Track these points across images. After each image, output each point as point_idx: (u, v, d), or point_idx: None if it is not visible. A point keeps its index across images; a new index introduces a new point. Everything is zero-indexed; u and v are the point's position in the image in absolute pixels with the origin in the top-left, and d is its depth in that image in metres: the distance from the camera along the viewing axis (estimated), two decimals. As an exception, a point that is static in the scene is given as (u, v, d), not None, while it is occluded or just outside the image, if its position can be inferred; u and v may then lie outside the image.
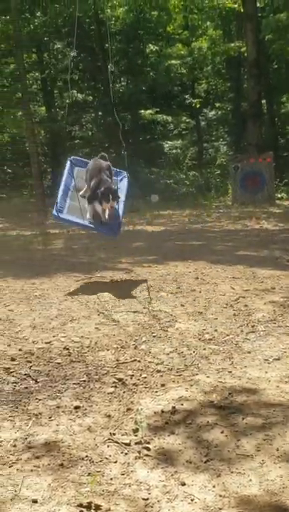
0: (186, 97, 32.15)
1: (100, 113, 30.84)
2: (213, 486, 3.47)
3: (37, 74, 29.25)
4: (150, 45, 29.17)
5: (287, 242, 12.34)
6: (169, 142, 31.82)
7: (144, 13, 26.42)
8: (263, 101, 29.29)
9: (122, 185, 9.06)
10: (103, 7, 23.99)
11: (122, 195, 8.67)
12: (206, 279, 8.96)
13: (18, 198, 26.11)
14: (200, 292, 8.11)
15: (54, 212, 8.28)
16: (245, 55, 24.37)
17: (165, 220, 18.48)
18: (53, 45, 29.14)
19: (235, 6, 24.47)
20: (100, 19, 27.24)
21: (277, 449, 3.83)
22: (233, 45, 26.78)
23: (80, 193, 8.65)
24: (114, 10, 24.70)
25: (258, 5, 23.65)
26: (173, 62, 29.20)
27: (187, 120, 32.55)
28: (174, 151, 32.15)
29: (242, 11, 23.61)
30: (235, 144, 31.50)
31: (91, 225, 8.54)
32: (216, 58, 30.12)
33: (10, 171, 31.33)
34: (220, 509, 3.27)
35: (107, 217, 8.28)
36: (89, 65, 29.52)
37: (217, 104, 32.72)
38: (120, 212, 8.59)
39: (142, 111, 29.78)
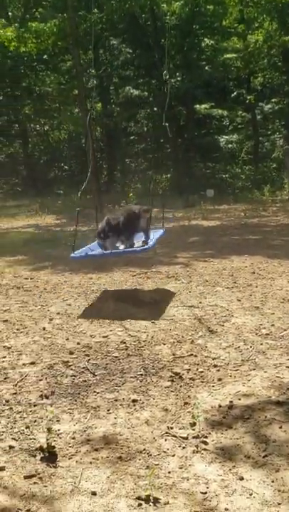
0: (242, 91, 31.88)
1: (155, 109, 30.79)
2: (272, 481, 3.45)
3: (93, 71, 29.42)
4: (206, 39, 28.94)
5: None
6: (224, 137, 31.56)
7: (200, 7, 26.21)
8: None
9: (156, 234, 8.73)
10: (159, 2, 23.89)
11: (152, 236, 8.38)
12: (262, 273, 8.90)
13: (75, 194, 26.26)
14: (256, 287, 8.06)
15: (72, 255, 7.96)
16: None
17: (221, 214, 18.41)
18: (109, 41, 29.21)
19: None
20: (156, 14, 27.18)
21: None
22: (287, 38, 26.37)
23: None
24: (170, 5, 24.53)
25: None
26: (228, 56, 28.95)
27: (243, 114, 32.25)
28: (230, 145, 31.89)
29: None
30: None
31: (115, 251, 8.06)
32: (272, 51, 29.75)
33: (67, 167, 31.59)
34: (279, 504, 3.25)
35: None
36: (144, 60, 29.50)
37: (273, 99, 32.33)
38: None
39: (197, 105, 29.63)
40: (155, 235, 8.57)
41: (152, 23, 28.00)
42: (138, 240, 8.09)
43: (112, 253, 8.02)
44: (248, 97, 29.67)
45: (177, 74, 29.53)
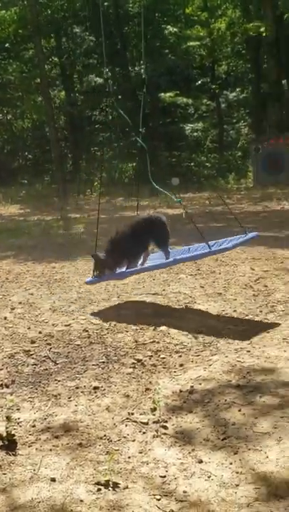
0: (207, 79, 31.94)
1: (119, 97, 30.72)
2: (230, 463, 3.49)
3: (56, 59, 29.18)
4: (169, 27, 28.94)
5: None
6: (189, 125, 31.61)
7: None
8: (284, 81, 29.04)
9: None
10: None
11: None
12: (225, 260, 8.96)
13: (39, 183, 26.15)
14: (219, 274, 8.12)
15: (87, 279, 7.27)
16: (265, 35, 24.12)
17: (186, 202, 18.30)
18: (72, 29, 29.03)
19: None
20: (118, 2, 27.12)
21: (295, 426, 3.84)
22: (251, 25, 26.49)
23: None
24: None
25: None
26: (192, 44, 29.00)
27: (207, 102, 32.34)
28: (195, 133, 31.95)
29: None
30: (256, 125, 31.26)
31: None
32: (236, 39, 29.87)
33: (31, 156, 31.39)
34: (236, 485, 3.28)
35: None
36: (107, 48, 29.39)
37: (238, 87, 32.44)
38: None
39: (162, 94, 29.63)
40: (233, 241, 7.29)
41: (114, 10, 27.90)
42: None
43: (131, 271, 7.00)
44: (213, 86, 29.76)
45: (141, 62, 29.45)
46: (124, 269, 6.88)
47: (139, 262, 7.00)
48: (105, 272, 6.81)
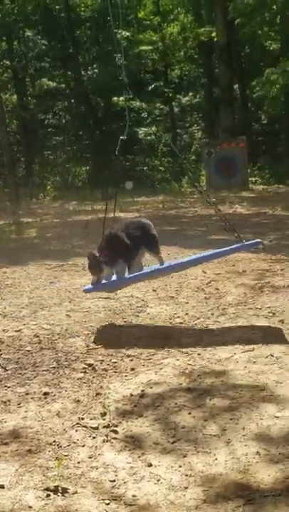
0: (160, 83, 32.10)
1: (72, 101, 30.70)
2: (180, 466, 3.50)
3: (7, 62, 29.01)
4: (122, 31, 28.99)
5: (259, 226, 12.40)
6: (143, 129, 31.67)
7: (114, -1, 26.30)
8: (236, 86, 29.35)
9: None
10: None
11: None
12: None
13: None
14: (172, 277, 8.11)
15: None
16: (216, 39, 24.35)
17: (139, 206, 18.48)
18: (24, 33, 28.89)
19: (205, -10, 24.44)
20: (70, 6, 27.09)
21: (244, 428, 3.86)
22: (203, 30, 26.72)
23: None
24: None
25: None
26: (144, 48, 29.13)
27: (161, 107, 32.48)
28: (149, 137, 32.04)
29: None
30: (209, 129, 31.50)
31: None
32: (188, 43, 30.08)
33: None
34: (185, 488, 3.30)
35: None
36: (59, 53, 29.37)
37: (190, 91, 32.71)
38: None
39: (115, 98, 29.66)
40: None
41: (66, 14, 27.86)
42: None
43: (131, 278, 6.42)
44: (166, 90, 29.89)
45: (94, 66, 29.49)
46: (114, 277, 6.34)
47: (137, 269, 6.45)
48: (103, 273, 6.21)
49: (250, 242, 6.71)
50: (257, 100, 29.06)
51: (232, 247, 6.69)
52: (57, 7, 27.74)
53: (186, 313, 6.45)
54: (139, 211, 17.05)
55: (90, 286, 6.42)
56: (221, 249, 6.80)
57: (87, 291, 6.63)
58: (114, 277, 6.32)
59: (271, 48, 28.12)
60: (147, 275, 6.68)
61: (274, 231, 11.47)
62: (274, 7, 23.63)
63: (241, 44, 27.70)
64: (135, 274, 6.39)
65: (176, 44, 29.76)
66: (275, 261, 8.74)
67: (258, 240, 6.98)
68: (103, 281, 6.34)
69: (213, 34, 24.22)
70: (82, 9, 27.97)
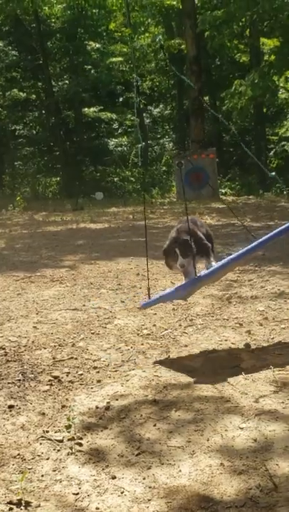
0: (131, 94, 32.24)
1: (43, 112, 30.69)
2: (144, 478, 3.50)
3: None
4: (91, 42, 29.13)
5: (229, 236, 12.45)
6: (114, 140, 31.84)
7: (84, 10, 26.41)
8: (207, 97, 29.54)
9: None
10: (41, 5, 23.87)
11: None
12: (146, 274, 8.98)
13: None
14: (140, 288, 8.14)
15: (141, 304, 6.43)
16: (186, 52, 24.52)
17: (109, 217, 18.48)
18: (-7, 43, 28.93)
19: (174, 2, 24.58)
20: (40, 17, 27.12)
21: (208, 440, 3.88)
22: (173, 42, 26.93)
23: None
24: (52, 8, 24.62)
25: (196, 2, 23.75)
26: (115, 59, 29.28)
27: (132, 118, 32.60)
28: (119, 148, 32.16)
29: (181, 7, 23.72)
30: (179, 141, 31.68)
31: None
32: (159, 55, 30.26)
33: None
34: (149, 500, 3.30)
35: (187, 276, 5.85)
36: (30, 63, 29.39)
37: (161, 103, 32.92)
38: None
39: (86, 109, 29.77)
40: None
41: (37, 25, 27.90)
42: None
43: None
44: (137, 101, 29.98)
45: (65, 77, 29.52)
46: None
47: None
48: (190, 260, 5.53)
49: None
50: (227, 112, 29.35)
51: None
52: (27, 18, 27.75)
53: (154, 325, 6.45)
54: (109, 222, 17.06)
55: (146, 301, 6.08)
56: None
57: (145, 306, 6.27)
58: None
59: (240, 60, 28.41)
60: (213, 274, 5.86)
61: (243, 242, 11.51)
62: (243, 20, 23.86)
63: (211, 56, 27.91)
64: (203, 275, 5.72)
65: (146, 56, 29.91)
66: (243, 272, 8.78)
67: None
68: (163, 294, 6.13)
69: (183, 46, 24.37)
70: (53, 20, 28.01)
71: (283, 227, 5.85)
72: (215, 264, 5.75)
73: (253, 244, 5.73)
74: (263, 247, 6.26)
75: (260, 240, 5.74)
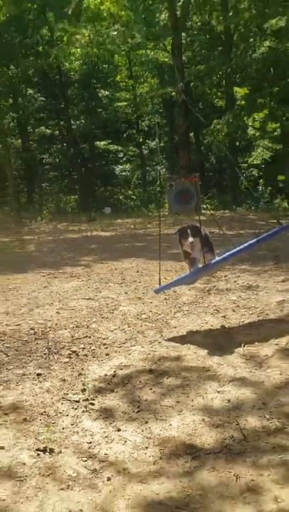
0: (133, 131, 32.22)
1: (64, 144, 30.67)
2: (142, 431, 3.51)
3: (13, 114, 28.90)
4: (102, 90, 29.16)
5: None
6: (119, 166, 31.84)
7: (97, 65, 26.42)
8: (191, 134, 29.46)
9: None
10: (63, 61, 23.85)
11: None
12: (144, 272, 8.99)
13: (0, 212, 25.70)
14: (140, 282, 8.13)
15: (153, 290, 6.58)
16: (175, 98, 24.46)
17: (116, 227, 18.44)
18: (26, 91, 28.82)
19: (166, 59, 24.55)
20: (62, 71, 27.09)
21: (192, 400, 3.88)
22: (166, 90, 26.90)
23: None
24: (71, 63, 24.64)
25: (184, 58, 23.71)
26: (120, 104, 29.32)
27: (133, 149, 32.59)
28: (124, 173, 32.16)
29: (172, 63, 23.70)
30: (170, 167, 31.61)
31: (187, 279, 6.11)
32: (154, 100, 30.23)
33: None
34: (146, 447, 3.31)
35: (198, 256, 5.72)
36: (54, 107, 29.40)
37: (156, 138, 32.89)
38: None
39: (97, 142, 29.78)
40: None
41: (59, 77, 27.91)
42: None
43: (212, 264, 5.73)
44: (137, 136, 29.99)
45: (81, 117, 29.53)
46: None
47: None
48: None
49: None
50: (207, 145, 29.36)
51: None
52: (52, 71, 27.71)
53: (150, 311, 6.44)
54: (115, 230, 17.03)
55: (158, 287, 6.05)
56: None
57: (157, 291, 6.30)
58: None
59: (218, 104, 28.39)
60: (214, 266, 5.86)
61: (220, 247, 11.49)
62: (220, 73, 23.91)
63: (195, 101, 27.86)
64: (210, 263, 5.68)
65: (145, 101, 29.90)
66: (220, 270, 8.76)
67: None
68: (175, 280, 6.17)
69: (174, 93, 24.30)
70: (72, 73, 28.01)
71: (269, 232, 5.88)
72: (218, 258, 5.74)
73: (245, 245, 5.70)
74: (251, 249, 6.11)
75: (250, 243, 5.73)
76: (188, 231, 5.61)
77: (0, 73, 21.95)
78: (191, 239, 5.53)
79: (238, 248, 5.69)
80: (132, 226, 18.30)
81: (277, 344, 4.89)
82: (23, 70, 23.68)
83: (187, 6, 21.90)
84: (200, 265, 5.70)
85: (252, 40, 22.36)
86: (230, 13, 22.25)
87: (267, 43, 21.49)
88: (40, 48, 25.26)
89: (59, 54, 22.59)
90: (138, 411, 3.78)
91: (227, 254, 5.74)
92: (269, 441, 3.30)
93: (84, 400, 3.99)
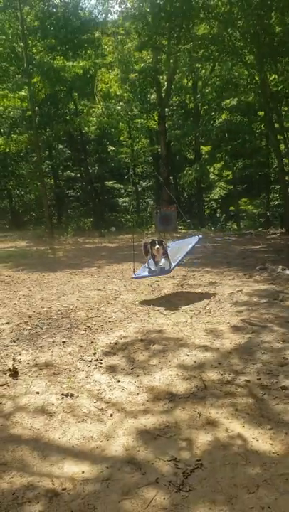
0: (131, 174, 32.19)
1: (83, 183, 30.58)
2: (135, 382, 3.49)
3: (48, 162, 28.78)
4: (110, 146, 29.14)
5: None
6: (121, 199, 31.73)
7: (107, 129, 26.41)
8: (171, 177, 29.51)
9: (191, 243, 6.90)
10: (83, 126, 23.87)
11: (188, 248, 6.73)
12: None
13: (39, 229, 25.57)
14: (132, 278, 8.09)
15: (133, 276, 6.90)
16: (160, 152, 24.47)
17: (119, 240, 18.37)
18: (57, 146, 28.75)
19: (155, 126, 24.59)
20: (82, 133, 27.07)
21: (170, 361, 3.86)
22: (153, 147, 26.95)
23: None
24: (89, 128, 24.69)
25: (167, 126, 23.75)
26: (122, 156, 29.34)
27: (131, 187, 32.55)
28: (124, 203, 32.06)
29: (158, 128, 23.73)
30: (156, 200, 31.59)
31: (154, 273, 6.62)
32: (146, 154, 30.27)
33: (34, 214, 30.79)
34: (137, 394, 3.29)
35: (160, 258, 6.37)
36: (76, 157, 29.34)
37: (147, 179, 32.84)
38: (179, 258, 6.55)
39: (106, 182, 29.75)
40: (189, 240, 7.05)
41: (80, 137, 27.88)
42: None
43: (168, 270, 6.44)
44: (134, 178, 29.98)
45: (96, 165, 29.51)
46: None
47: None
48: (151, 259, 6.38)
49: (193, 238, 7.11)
50: (182, 185, 29.40)
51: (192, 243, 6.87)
52: (75, 133, 27.66)
53: (142, 299, 6.40)
54: (118, 243, 16.98)
55: (135, 275, 6.79)
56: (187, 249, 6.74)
57: (135, 277, 6.86)
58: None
59: (189, 157, 28.44)
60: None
61: (190, 255, 11.50)
62: (191, 136, 24.00)
63: (174, 155, 27.87)
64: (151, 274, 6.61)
65: (139, 154, 29.91)
66: (190, 271, 8.76)
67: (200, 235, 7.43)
68: (142, 274, 6.77)
69: (159, 149, 24.33)
70: (89, 134, 27.95)
71: (193, 244, 6.82)
72: (173, 263, 6.49)
73: (183, 255, 6.66)
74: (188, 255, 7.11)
75: (188, 251, 6.72)
76: (156, 241, 6.40)
77: (41, 134, 21.85)
78: (158, 246, 6.32)
79: (182, 257, 6.61)
80: (130, 240, 18.22)
81: (228, 323, 4.90)
82: (56, 132, 23.59)
83: (169, 89, 21.99)
84: (161, 264, 6.41)
85: (213, 113, 22.49)
86: (198, 95, 22.41)
87: (223, 116, 21.62)
88: (68, 117, 25.29)
89: (81, 121, 22.60)
90: (132, 368, 3.77)
91: (177, 262, 6.52)
92: (222, 390, 3.30)
93: (94, 360, 3.97)
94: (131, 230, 24.01)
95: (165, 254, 6.37)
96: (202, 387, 3.33)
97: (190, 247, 6.76)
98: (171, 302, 6.10)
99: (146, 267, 6.75)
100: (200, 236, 7.23)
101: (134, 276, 6.84)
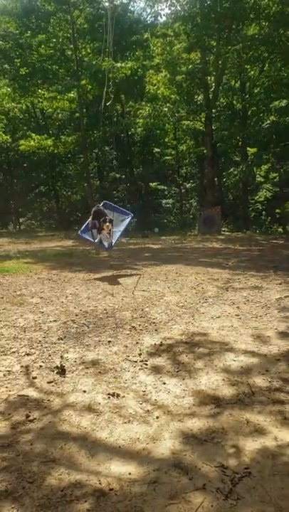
0: (175, 176, 32.13)
1: (128, 184, 30.86)
2: (181, 385, 3.47)
3: (95, 163, 29.28)
4: (155, 148, 29.20)
5: (227, 254, 12.23)
6: (164, 200, 31.72)
7: (152, 131, 26.47)
8: (216, 179, 29.16)
9: (125, 222, 9.15)
10: (129, 128, 24.07)
11: (122, 227, 8.96)
12: (182, 273, 8.89)
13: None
14: (178, 281, 8.05)
15: (78, 232, 8.88)
16: (205, 153, 24.24)
17: (161, 242, 18.36)
18: (104, 148, 29.19)
19: (201, 127, 24.37)
20: (129, 134, 27.31)
21: (216, 366, 3.81)
22: (199, 148, 26.72)
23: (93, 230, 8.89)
24: (136, 129, 24.84)
25: (214, 127, 23.50)
26: (167, 157, 29.33)
27: (175, 189, 32.44)
28: (168, 205, 32.02)
29: (204, 130, 23.50)
30: (200, 201, 31.32)
31: (96, 242, 8.90)
32: (191, 155, 30.06)
33: (80, 214, 31.42)
34: (183, 397, 3.26)
35: (106, 234, 8.50)
36: (122, 159, 29.64)
37: (191, 180, 32.65)
38: (116, 236, 8.76)
39: (151, 183, 29.83)
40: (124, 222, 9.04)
41: (127, 138, 28.14)
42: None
43: (96, 243, 9.04)
44: (178, 180, 29.90)
45: (140, 166, 29.68)
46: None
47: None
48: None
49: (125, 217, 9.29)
50: (227, 186, 28.97)
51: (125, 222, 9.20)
52: (122, 134, 27.97)
53: (186, 301, 6.37)
54: (162, 244, 16.98)
55: (80, 234, 8.82)
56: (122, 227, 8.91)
57: (79, 236, 8.95)
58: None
59: (235, 158, 27.99)
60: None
61: (234, 257, 11.31)
62: (237, 137, 23.62)
63: (219, 156, 27.51)
64: (94, 241, 8.79)
65: (184, 155, 29.77)
66: (235, 274, 8.61)
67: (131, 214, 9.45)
68: (86, 237, 8.94)
69: (205, 151, 24.10)
70: (136, 136, 28.17)
71: (127, 222, 9.23)
72: (114, 239, 8.78)
73: (120, 232, 8.84)
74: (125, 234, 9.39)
75: (122, 231, 8.86)
76: (107, 218, 8.20)
77: (88, 135, 22.29)
78: (108, 224, 8.09)
79: (120, 234, 8.63)
80: (173, 241, 18.20)
81: (276, 329, 4.76)
82: (103, 133, 24.02)
83: (216, 90, 21.74)
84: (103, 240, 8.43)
85: (261, 115, 21.98)
86: (247, 96, 22.02)
87: (272, 118, 21.10)
88: (115, 119, 25.62)
89: (128, 123, 22.82)
90: (178, 370, 3.74)
91: (117, 237, 8.57)
92: (270, 397, 3.21)
93: (140, 361, 3.97)
94: (173, 232, 24.01)
95: (110, 233, 8.27)
96: (249, 394, 3.25)
97: (124, 226, 8.75)
98: (215, 305, 6.02)
99: (91, 235, 8.59)
100: (131, 215, 9.11)
101: (79, 233, 8.57)
